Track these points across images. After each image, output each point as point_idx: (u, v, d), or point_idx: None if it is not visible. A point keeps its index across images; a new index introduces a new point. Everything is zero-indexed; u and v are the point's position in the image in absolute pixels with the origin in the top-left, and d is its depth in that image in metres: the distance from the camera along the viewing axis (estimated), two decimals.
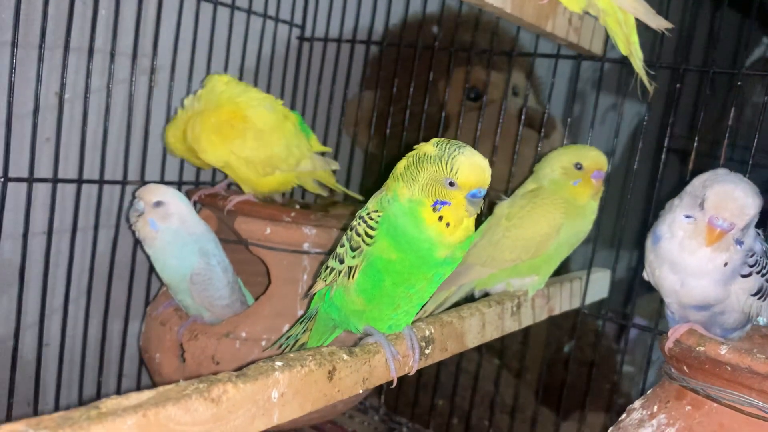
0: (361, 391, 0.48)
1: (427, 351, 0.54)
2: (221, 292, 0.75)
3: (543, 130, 0.88)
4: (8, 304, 0.80)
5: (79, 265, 0.84)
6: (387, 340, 0.50)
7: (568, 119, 0.88)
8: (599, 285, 0.84)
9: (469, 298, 0.71)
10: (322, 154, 0.86)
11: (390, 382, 0.51)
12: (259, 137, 0.76)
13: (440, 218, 0.45)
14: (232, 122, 0.76)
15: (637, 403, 0.59)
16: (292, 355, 0.45)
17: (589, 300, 0.81)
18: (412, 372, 0.52)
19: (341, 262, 0.50)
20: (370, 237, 0.47)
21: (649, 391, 0.59)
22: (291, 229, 0.77)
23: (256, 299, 0.79)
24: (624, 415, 0.58)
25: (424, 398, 1.00)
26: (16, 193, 0.76)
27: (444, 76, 0.97)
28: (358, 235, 0.48)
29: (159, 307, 0.82)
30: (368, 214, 0.48)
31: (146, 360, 0.82)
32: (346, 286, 0.50)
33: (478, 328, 0.61)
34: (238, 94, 0.77)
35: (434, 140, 0.47)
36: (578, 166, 0.67)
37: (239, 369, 0.42)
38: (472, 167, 0.44)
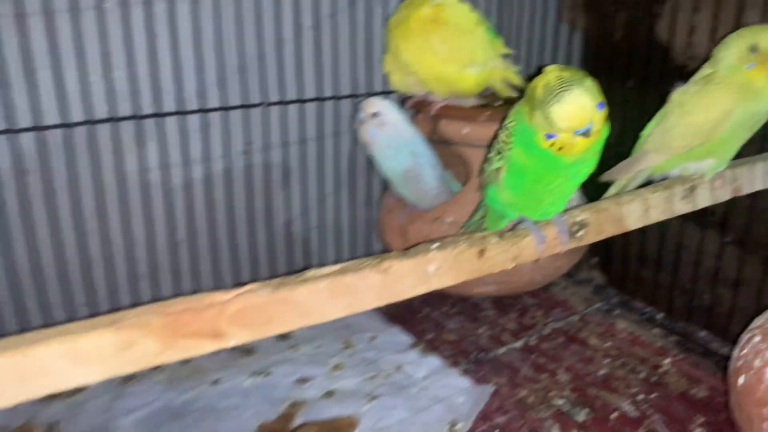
0: (510, 267, 0.60)
1: (578, 234, 0.63)
2: (430, 185, 0.90)
3: None
4: (285, 197, 1.05)
5: (330, 164, 1.06)
6: (536, 226, 0.60)
7: None
8: None
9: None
10: (506, 56, 0.93)
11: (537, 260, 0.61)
12: (456, 32, 0.86)
13: (552, 144, 0.52)
14: (430, 18, 0.86)
15: None
16: (449, 239, 0.58)
17: None
18: (563, 250, 0.62)
19: (492, 163, 0.60)
20: (508, 144, 0.57)
21: None
22: (485, 128, 0.87)
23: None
24: None
25: (644, 273, 1.05)
26: (281, 113, 0.99)
27: None
28: (501, 141, 0.58)
29: (389, 197, 1.00)
30: (507, 123, 0.57)
31: (381, 240, 1.03)
32: (497, 184, 0.61)
33: (640, 212, 0.67)
34: None
35: (551, 73, 0.52)
36: (753, 49, 0.65)
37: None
38: (567, 117, 0.50)
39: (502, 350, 0.94)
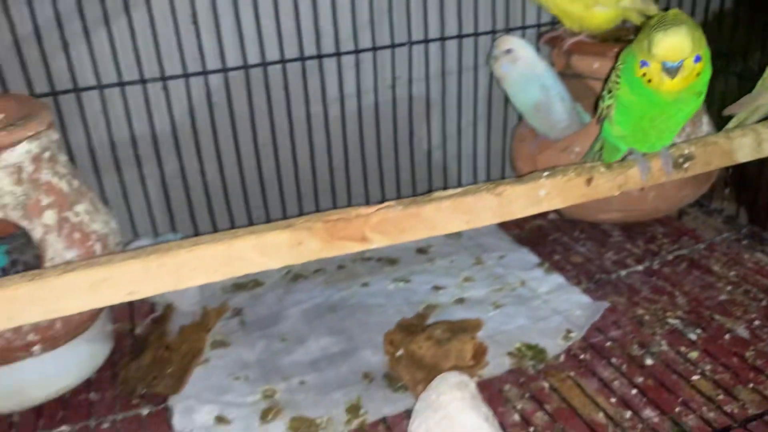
0: (616, 194, 0.67)
1: (684, 166, 0.68)
2: (560, 117, 0.97)
3: None
4: (427, 128, 1.17)
5: (469, 97, 1.16)
6: (643, 157, 0.67)
7: None
8: None
9: None
10: None
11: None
12: None
13: (644, 74, 0.58)
14: None
15: None
16: (560, 167, 0.66)
17: None
18: (667, 180, 0.68)
19: (604, 100, 0.67)
20: (617, 84, 0.63)
21: None
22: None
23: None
24: None
25: None
26: (424, 51, 1.09)
27: None
28: (612, 81, 0.65)
29: (521, 128, 1.08)
30: (618, 65, 0.64)
31: (514, 167, 1.12)
32: (609, 119, 0.68)
33: (752, 146, 0.70)
34: None
35: (671, 13, 0.58)
36: None
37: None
38: (663, 44, 0.55)
39: (623, 272, 1.01)
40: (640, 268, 1.02)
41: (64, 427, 0.78)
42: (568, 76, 0.99)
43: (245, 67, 1.02)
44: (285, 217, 0.89)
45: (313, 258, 0.59)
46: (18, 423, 0.78)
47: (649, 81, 0.59)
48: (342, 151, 1.13)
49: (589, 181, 0.66)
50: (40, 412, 0.80)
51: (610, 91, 0.66)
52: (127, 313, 0.97)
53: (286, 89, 1.05)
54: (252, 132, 1.06)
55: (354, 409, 0.77)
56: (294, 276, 1.05)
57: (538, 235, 1.14)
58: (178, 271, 0.54)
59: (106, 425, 0.77)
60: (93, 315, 0.80)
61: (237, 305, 0.98)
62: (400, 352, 0.83)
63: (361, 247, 0.60)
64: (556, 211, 1.18)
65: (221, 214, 1.10)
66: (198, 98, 1.02)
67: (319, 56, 1.04)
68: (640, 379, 0.80)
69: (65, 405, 0.81)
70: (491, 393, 0.79)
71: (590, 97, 1.00)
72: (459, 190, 0.63)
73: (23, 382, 0.78)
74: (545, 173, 0.65)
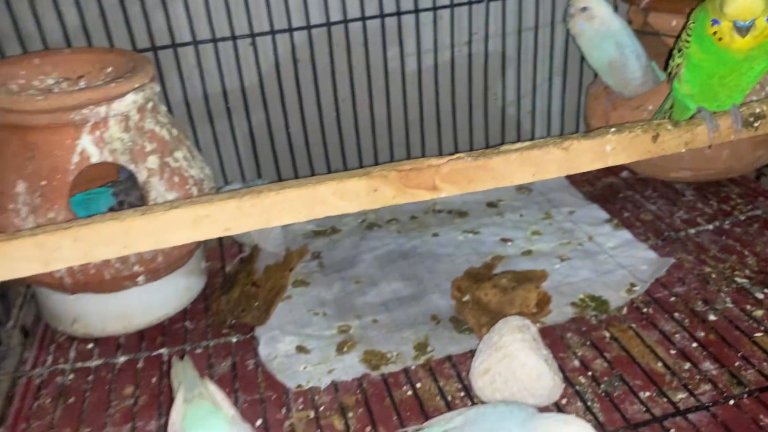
0: (683, 150, 0.69)
1: (755, 125, 0.69)
2: (634, 75, 0.97)
3: None
4: (502, 83, 1.19)
5: (545, 53, 1.17)
6: (711, 115, 0.68)
7: None
8: None
9: None
10: None
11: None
12: None
13: (714, 33, 0.59)
14: None
15: None
16: (627, 124, 0.68)
17: None
18: (734, 139, 0.69)
19: (674, 59, 0.69)
20: (687, 43, 0.64)
21: None
22: None
23: None
24: None
25: None
26: (501, 7, 1.11)
27: None
28: (682, 40, 0.66)
29: (596, 85, 1.09)
30: (688, 24, 0.65)
31: (587, 124, 1.13)
32: (678, 77, 0.69)
33: None
34: None
35: None
36: None
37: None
38: (735, 3, 0.56)
39: (692, 231, 1.02)
40: (710, 227, 1.03)
41: (163, 350, 0.87)
42: (645, 33, 0.99)
43: (328, 24, 1.07)
44: (361, 167, 0.95)
45: (387, 204, 0.64)
46: (124, 344, 0.89)
47: (720, 39, 0.60)
48: (417, 105, 1.17)
49: (655, 137, 0.68)
50: (143, 336, 0.90)
51: (680, 50, 0.67)
52: (218, 253, 1.06)
53: (365, 45, 1.10)
54: (332, 86, 1.11)
55: (422, 347, 0.83)
56: (369, 225, 1.11)
57: (609, 192, 1.15)
58: (268, 211, 0.61)
59: (199, 350, 0.87)
60: (190, 251, 0.88)
61: (316, 249, 1.05)
62: (466, 298, 0.88)
63: (431, 195, 0.65)
64: (629, 170, 1.19)
65: (303, 163, 1.18)
66: (283, 54, 1.08)
67: (398, 13, 1.08)
68: (701, 334, 0.82)
69: (164, 331, 0.91)
70: (553, 339, 0.83)
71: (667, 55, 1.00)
72: (527, 143, 0.66)
73: (129, 308, 0.88)
74: (612, 129, 0.67)
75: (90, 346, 0.89)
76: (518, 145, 0.66)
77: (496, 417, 0.59)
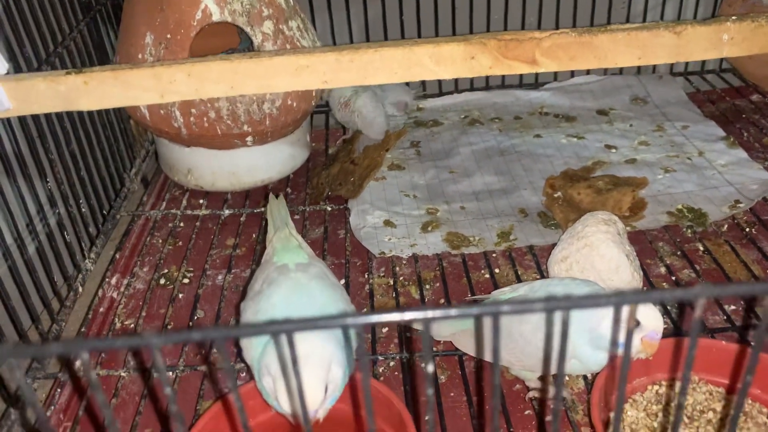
0: None
1: None
2: None
3: None
4: None
5: None
6: None
7: None
8: None
9: None
10: None
11: None
12: None
13: None
14: None
15: None
16: (751, 14, 0.64)
17: None
18: None
19: None
20: None
21: None
22: None
23: None
24: None
25: None
26: None
27: None
28: None
29: None
30: None
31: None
32: None
33: None
34: None
35: None
36: None
37: None
38: None
39: None
40: None
41: (263, 209, 0.94)
42: None
43: None
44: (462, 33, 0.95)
45: (483, 74, 0.64)
46: (230, 200, 0.96)
47: None
48: None
49: None
50: (248, 195, 0.97)
51: None
52: (323, 135, 1.11)
53: None
54: None
55: (505, 235, 0.85)
56: (471, 121, 1.11)
57: (732, 113, 1.08)
58: (365, 68, 0.63)
59: (297, 216, 0.92)
60: (296, 120, 0.93)
61: (415, 139, 1.07)
62: (558, 194, 0.88)
63: (529, 69, 0.64)
64: (761, 93, 1.11)
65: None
66: None
67: None
68: None
69: (267, 193, 0.97)
70: (642, 245, 0.81)
71: None
72: (636, 24, 0.64)
73: (237, 167, 0.95)
74: (733, 17, 0.63)
75: (200, 199, 0.97)
76: (628, 25, 0.64)
77: (562, 288, 0.60)
